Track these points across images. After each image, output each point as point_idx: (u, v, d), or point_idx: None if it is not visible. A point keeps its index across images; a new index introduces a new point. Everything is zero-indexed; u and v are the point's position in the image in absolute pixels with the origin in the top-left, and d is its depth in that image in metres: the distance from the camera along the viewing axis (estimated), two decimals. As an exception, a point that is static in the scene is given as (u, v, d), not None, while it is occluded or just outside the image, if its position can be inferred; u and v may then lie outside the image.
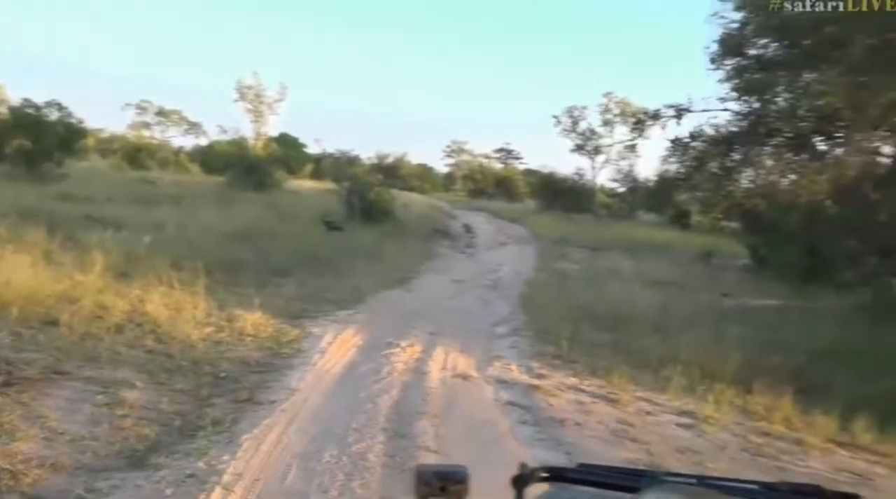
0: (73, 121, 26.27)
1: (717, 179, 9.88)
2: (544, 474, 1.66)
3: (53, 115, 25.70)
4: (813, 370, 8.94)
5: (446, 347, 8.49)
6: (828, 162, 8.32)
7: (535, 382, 7.39)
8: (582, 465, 1.94)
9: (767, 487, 1.68)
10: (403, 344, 8.38)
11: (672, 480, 1.63)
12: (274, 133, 53.95)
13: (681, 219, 34.37)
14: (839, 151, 9.07)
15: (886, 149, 9.31)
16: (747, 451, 5.96)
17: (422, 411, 6.10)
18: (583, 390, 7.25)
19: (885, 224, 8.51)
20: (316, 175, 50.92)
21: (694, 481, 1.63)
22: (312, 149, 56.50)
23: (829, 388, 8.19)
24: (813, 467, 5.77)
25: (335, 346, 8.05)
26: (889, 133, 8.14)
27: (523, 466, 1.64)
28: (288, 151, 55.84)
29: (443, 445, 5.33)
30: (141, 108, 61.85)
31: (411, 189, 51.34)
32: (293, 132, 59.23)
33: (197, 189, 27.56)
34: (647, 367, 8.41)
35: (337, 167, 44.84)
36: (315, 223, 19.60)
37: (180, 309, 8.63)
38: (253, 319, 8.61)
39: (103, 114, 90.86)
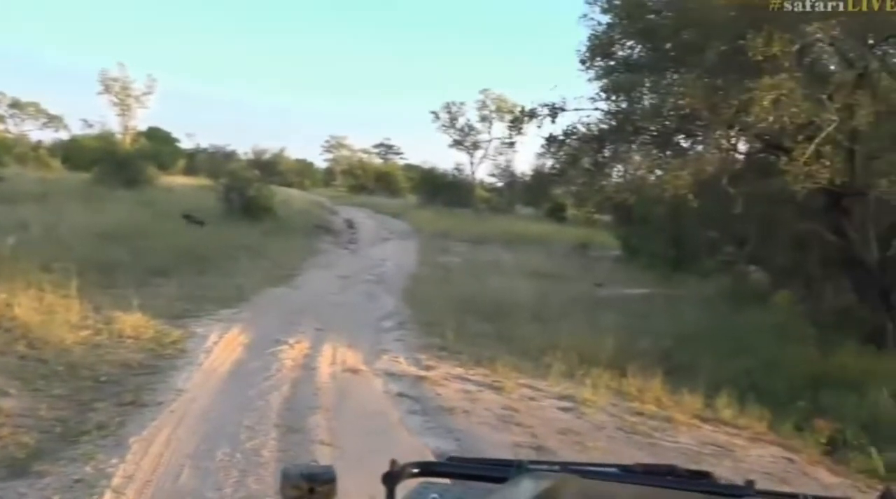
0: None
1: (589, 175, 10.38)
2: (415, 470, 1.68)
3: None
4: (679, 352, 9.62)
5: (334, 343, 8.55)
6: (689, 158, 8.96)
7: (423, 373, 7.59)
8: (451, 459, 2.02)
9: (624, 469, 1.78)
10: (291, 341, 8.38)
11: (537, 468, 1.69)
12: (143, 127, 51.65)
13: (557, 212, 35.56)
14: (699, 148, 9.74)
15: (741, 146, 10.09)
16: (623, 430, 6.39)
17: (314, 405, 6.17)
18: (469, 380, 7.52)
19: (740, 216, 9.25)
20: (189, 171, 49.02)
21: (557, 467, 1.72)
22: (185, 144, 54.42)
23: (694, 368, 8.85)
24: (681, 442, 6.26)
25: (221, 345, 7.96)
26: (742, 132, 8.84)
27: (394, 463, 1.64)
28: (159, 146, 53.60)
29: (336, 437, 5.43)
30: (-9, 100, 57.36)
31: (290, 185, 50.37)
32: (164, 126, 56.83)
33: (62, 186, 26.00)
34: (528, 355, 8.79)
35: (212, 163, 43.55)
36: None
37: (53, 312, 8.27)
38: (132, 321, 8.36)
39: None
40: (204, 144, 51.83)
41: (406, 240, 23.74)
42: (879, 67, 8.93)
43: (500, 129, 41.06)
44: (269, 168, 50.64)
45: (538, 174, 40.13)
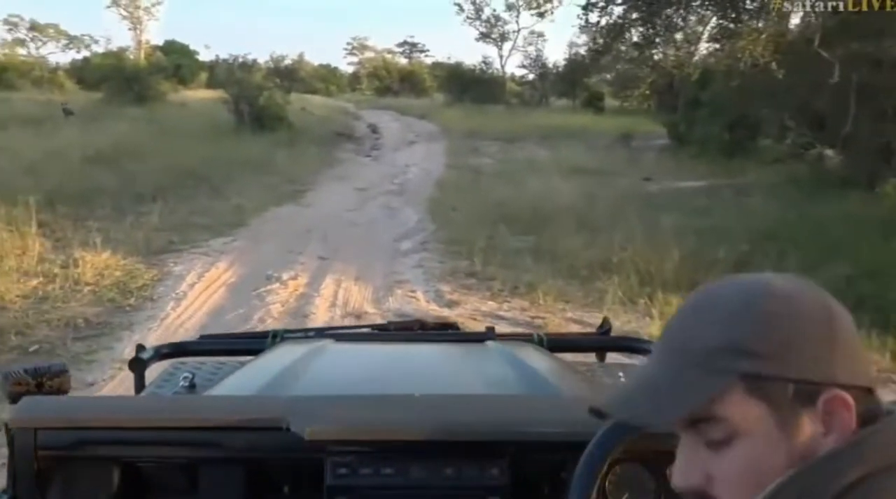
0: None
1: (639, 49, 8.52)
2: (166, 351, 1.79)
3: None
4: (759, 259, 7.94)
5: (338, 276, 7.05)
6: (769, 19, 7.05)
7: (446, 312, 6.06)
8: (204, 336, 2.15)
9: (377, 328, 1.99)
10: (285, 277, 6.90)
11: (292, 336, 1.80)
12: (159, 40, 49.70)
13: (594, 102, 33.23)
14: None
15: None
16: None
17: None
18: (503, 317, 5.95)
19: (833, 88, 7.35)
20: (211, 84, 47.39)
21: (313, 333, 1.84)
22: (204, 55, 52.49)
23: (780, 279, 7.18)
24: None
25: (198, 288, 6.51)
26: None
27: (140, 347, 1.75)
28: (179, 60, 51.85)
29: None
30: (10, 24, 55.62)
31: (314, 92, 48.50)
32: (182, 39, 54.80)
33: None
34: (576, 276, 7.21)
35: (230, 73, 41.81)
36: (199, 137, 17.44)
37: (2, 257, 6.92)
38: (98, 262, 6.97)
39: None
40: (223, 55, 49.84)
41: (433, 142, 22.00)
42: None
43: (527, 18, 38.33)
44: (290, 75, 48.72)
45: (572, 62, 37.66)
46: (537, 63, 41.32)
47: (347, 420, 1.23)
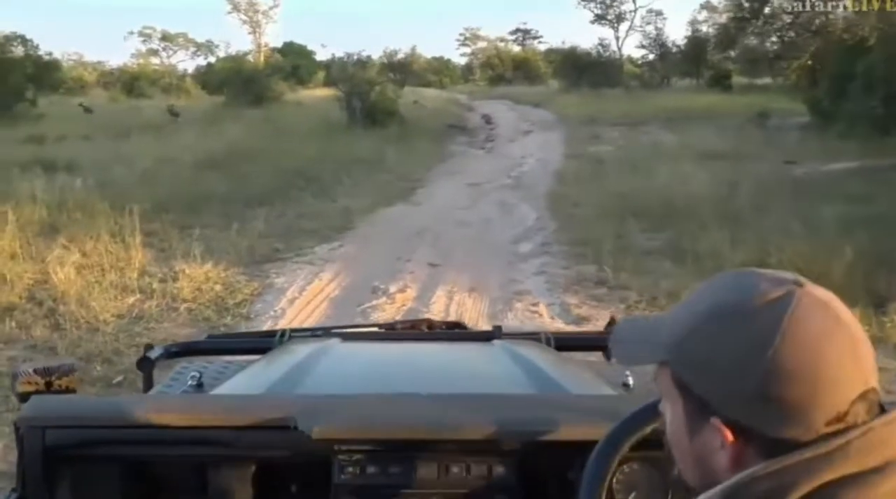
0: (42, 54, 23.77)
1: (794, 15, 7.33)
2: (175, 350, 1.79)
3: (18, 51, 23.19)
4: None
5: (450, 286, 6.34)
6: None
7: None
8: (211, 336, 2.28)
9: (386, 327, 1.99)
10: (393, 289, 6.26)
11: (299, 335, 1.79)
12: (277, 43, 50.94)
13: (721, 81, 31.18)
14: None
15: None
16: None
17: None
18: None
19: None
20: (328, 82, 48.11)
21: (321, 332, 1.84)
22: (321, 55, 53.49)
23: None
24: None
25: (298, 304, 5.97)
26: None
27: (148, 346, 1.75)
28: (297, 61, 53.13)
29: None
30: (144, 35, 58.75)
31: (428, 85, 48.36)
32: (299, 40, 56.03)
33: (190, 112, 25.26)
34: (725, 281, 6.20)
35: (344, 70, 42.17)
36: (311, 136, 17.24)
37: (105, 271, 6.64)
38: (198, 275, 6.56)
39: (105, 45, 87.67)
40: (339, 54, 50.59)
41: (549, 131, 21.05)
42: None
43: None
44: (403, 69, 48.77)
45: (694, 40, 35.67)
46: (657, 43, 39.45)
47: (355, 419, 1.23)
